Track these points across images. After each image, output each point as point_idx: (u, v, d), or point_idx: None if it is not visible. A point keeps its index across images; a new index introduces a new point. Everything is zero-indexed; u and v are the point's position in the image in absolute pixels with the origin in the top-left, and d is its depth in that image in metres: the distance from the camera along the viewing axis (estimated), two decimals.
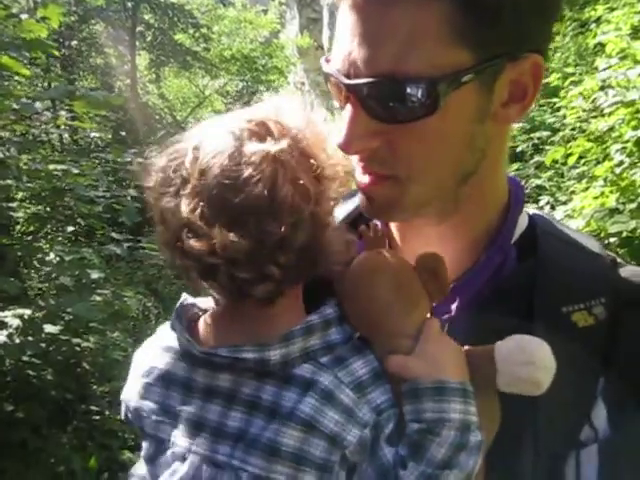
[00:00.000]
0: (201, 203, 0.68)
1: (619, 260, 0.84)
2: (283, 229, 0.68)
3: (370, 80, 0.68)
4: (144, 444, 0.79)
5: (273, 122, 0.73)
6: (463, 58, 0.66)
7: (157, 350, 0.79)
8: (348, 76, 0.70)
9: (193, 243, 0.68)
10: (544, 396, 0.71)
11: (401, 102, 0.68)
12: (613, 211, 2.97)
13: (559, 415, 0.72)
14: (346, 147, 0.72)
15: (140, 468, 0.82)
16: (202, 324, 0.79)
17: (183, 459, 0.72)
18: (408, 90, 0.67)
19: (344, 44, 0.70)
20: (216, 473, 0.70)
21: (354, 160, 0.77)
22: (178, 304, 0.82)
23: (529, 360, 0.69)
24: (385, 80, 0.67)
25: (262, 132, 0.72)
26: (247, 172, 0.67)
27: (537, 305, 0.77)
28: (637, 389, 0.74)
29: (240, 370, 0.71)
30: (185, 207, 0.69)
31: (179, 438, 0.73)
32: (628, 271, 0.82)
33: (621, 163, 3.04)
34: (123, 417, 0.84)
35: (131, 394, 0.79)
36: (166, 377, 0.76)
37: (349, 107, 0.71)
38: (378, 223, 0.86)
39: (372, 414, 0.70)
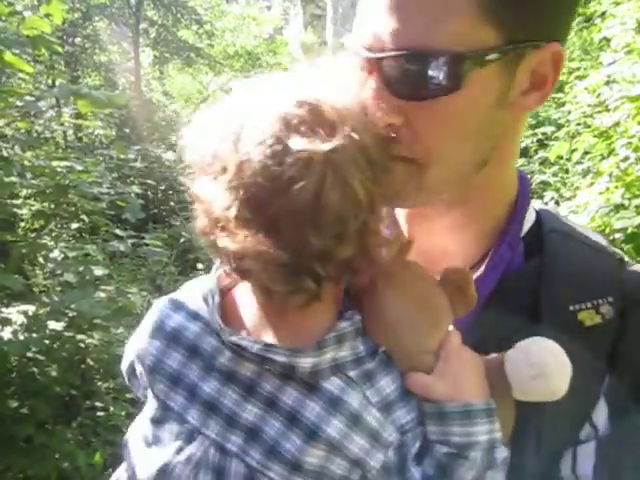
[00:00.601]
0: (236, 201, 0.61)
1: (626, 258, 0.83)
2: (325, 241, 0.61)
3: (396, 53, 0.67)
4: (151, 404, 0.75)
5: (329, 107, 0.64)
6: (489, 36, 0.66)
7: (185, 314, 0.73)
8: (372, 50, 0.69)
9: (225, 242, 0.62)
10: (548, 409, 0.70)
11: (425, 77, 0.67)
12: (618, 207, 2.95)
13: (561, 414, 0.72)
14: (379, 118, 0.69)
15: (141, 426, 0.77)
16: (234, 302, 0.73)
17: (191, 438, 0.70)
18: (433, 64, 0.66)
19: (369, 18, 0.70)
20: (225, 460, 0.68)
21: None
22: (214, 269, 0.75)
23: (540, 373, 0.67)
24: (411, 53, 0.66)
25: (314, 121, 0.62)
26: (290, 173, 0.59)
27: (544, 303, 0.76)
28: (638, 388, 0.73)
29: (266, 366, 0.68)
30: (220, 201, 0.62)
31: (190, 414, 0.70)
32: (635, 270, 0.81)
33: (626, 158, 3.01)
34: (124, 369, 0.80)
35: (147, 350, 0.73)
36: (192, 347, 0.71)
37: (371, 83, 0.70)
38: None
39: (397, 434, 0.69)
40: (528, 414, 0.72)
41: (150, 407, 0.75)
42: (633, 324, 0.76)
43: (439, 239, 0.83)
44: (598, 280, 0.79)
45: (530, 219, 0.84)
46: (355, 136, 0.63)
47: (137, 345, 0.76)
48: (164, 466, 0.70)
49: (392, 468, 0.68)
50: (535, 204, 0.88)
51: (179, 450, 0.70)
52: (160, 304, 0.77)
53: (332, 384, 0.67)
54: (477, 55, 0.65)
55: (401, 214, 0.88)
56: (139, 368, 0.76)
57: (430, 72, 0.66)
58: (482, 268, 0.81)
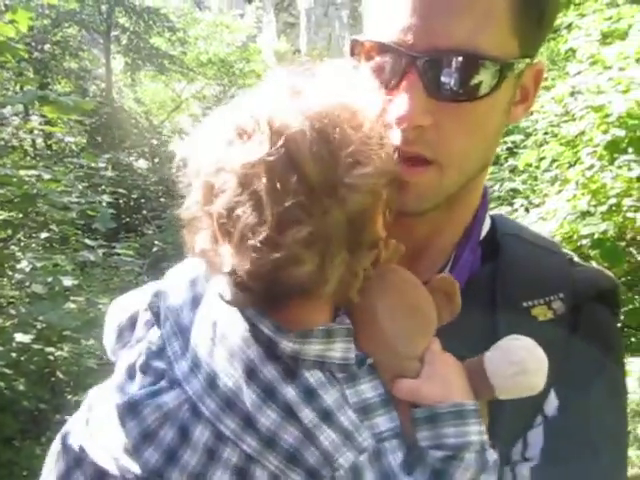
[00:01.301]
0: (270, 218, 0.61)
1: (575, 258, 0.88)
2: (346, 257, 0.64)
3: (444, 52, 0.67)
4: (140, 352, 0.75)
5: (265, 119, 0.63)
6: (514, 48, 0.70)
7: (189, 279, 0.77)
8: (409, 48, 0.68)
9: (238, 261, 0.64)
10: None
11: (468, 80, 0.68)
12: (585, 214, 3.03)
13: (514, 407, 0.73)
14: (407, 120, 0.69)
15: (117, 376, 0.76)
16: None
17: (169, 388, 0.70)
18: (481, 67, 0.68)
19: (403, 15, 0.68)
20: (194, 421, 0.68)
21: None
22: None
23: (520, 370, 0.69)
24: (458, 54, 0.67)
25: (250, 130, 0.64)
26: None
27: (500, 302, 0.80)
28: (586, 375, 0.78)
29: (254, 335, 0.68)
30: (248, 218, 0.62)
31: (179, 366, 0.71)
32: (584, 268, 0.87)
33: (592, 167, 3.09)
34: (114, 326, 0.81)
35: (171, 300, 0.76)
36: (196, 300, 0.74)
37: (405, 83, 0.69)
38: None
39: (372, 440, 0.67)
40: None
41: (137, 355, 0.75)
42: (584, 319, 0.80)
43: (416, 243, 0.84)
44: (549, 278, 0.82)
45: (487, 224, 0.88)
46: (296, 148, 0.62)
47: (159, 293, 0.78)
48: (135, 402, 0.70)
49: (365, 475, 0.67)
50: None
51: (154, 394, 0.70)
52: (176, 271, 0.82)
53: (313, 376, 0.67)
54: (512, 65, 0.70)
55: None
56: (146, 316, 0.77)
57: (475, 74, 0.68)
58: (447, 272, 0.83)
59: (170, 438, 0.68)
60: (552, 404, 0.77)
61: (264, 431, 0.66)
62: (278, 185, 0.61)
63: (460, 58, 0.68)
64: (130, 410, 0.70)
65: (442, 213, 0.81)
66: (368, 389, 0.69)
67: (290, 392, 0.66)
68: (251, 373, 0.67)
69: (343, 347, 0.70)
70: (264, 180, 0.61)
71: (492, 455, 0.68)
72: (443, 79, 0.69)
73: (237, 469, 0.67)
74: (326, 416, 0.66)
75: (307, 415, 0.66)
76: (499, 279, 0.82)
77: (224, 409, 0.67)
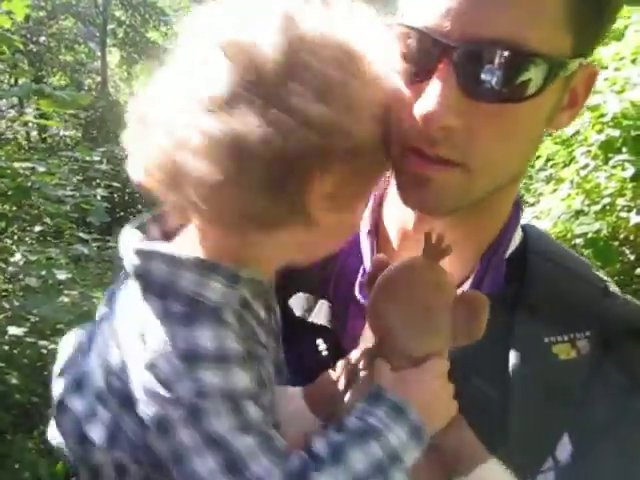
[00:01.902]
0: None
1: (611, 287, 0.78)
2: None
3: (486, 43, 0.58)
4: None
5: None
6: (566, 45, 0.60)
7: None
8: (447, 36, 0.59)
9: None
10: (512, 428, 0.69)
11: (511, 77, 0.59)
12: (578, 213, 3.04)
13: (525, 445, 0.70)
14: (434, 120, 0.61)
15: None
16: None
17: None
18: (529, 64, 0.58)
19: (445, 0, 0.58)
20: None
21: (409, 139, 0.65)
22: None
23: None
24: (503, 46, 0.57)
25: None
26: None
27: (518, 332, 0.73)
28: (606, 425, 0.71)
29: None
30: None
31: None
32: (617, 301, 0.77)
33: (586, 166, 3.10)
34: None
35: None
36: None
37: (437, 76, 0.61)
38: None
39: (192, 395, 0.58)
40: (490, 444, 0.69)
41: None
42: (612, 360, 0.72)
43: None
44: (578, 312, 0.75)
45: (516, 240, 0.80)
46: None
47: None
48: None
49: (179, 432, 0.59)
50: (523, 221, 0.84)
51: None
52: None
53: (150, 300, 0.62)
54: (563, 63, 0.60)
55: (409, 221, 0.82)
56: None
57: (523, 73, 0.59)
58: (466, 287, 0.78)
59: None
60: (565, 449, 0.71)
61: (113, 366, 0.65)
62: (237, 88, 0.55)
63: (506, 52, 0.58)
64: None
65: (467, 221, 0.75)
66: (207, 338, 0.59)
67: (126, 302, 0.65)
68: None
69: (196, 280, 0.61)
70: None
71: (399, 477, 0.61)
72: (483, 75, 0.59)
73: None
74: (154, 355, 0.60)
75: (134, 346, 0.62)
76: (521, 306, 0.74)
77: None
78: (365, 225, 0.86)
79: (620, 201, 2.96)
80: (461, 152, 0.64)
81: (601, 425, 0.71)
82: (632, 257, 3.16)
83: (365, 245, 0.86)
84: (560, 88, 0.64)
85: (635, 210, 2.86)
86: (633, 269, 3.13)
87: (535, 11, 0.58)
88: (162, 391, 0.59)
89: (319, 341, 0.79)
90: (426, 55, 0.61)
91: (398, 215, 0.83)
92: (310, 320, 0.82)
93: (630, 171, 2.74)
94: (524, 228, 0.83)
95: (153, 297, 0.62)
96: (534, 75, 0.59)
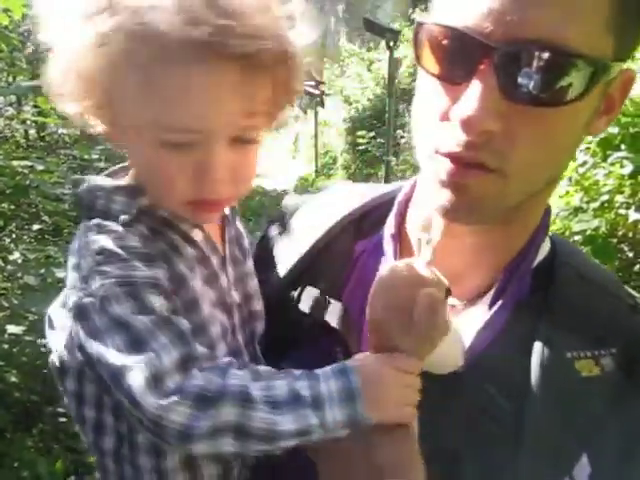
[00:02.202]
0: None
1: None
2: None
3: (527, 44, 0.56)
4: None
5: None
6: (608, 48, 0.58)
7: None
8: (488, 36, 0.58)
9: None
10: (526, 443, 0.68)
11: (552, 80, 0.58)
12: (577, 210, 3.05)
13: (541, 464, 0.69)
14: (475, 124, 0.60)
15: None
16: None
17: None
18: (571, 66, 0.57)
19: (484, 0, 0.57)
20: None
21: (444, 144, 0.64)
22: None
23: None
24: (545, 48, 0.56)
25: None
26: None
27: (540, 344, 0.71)
28: (629, 448, 0.69)
29: None
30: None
31: None
32: None
33: (584, 163, 3.11)
34: None
35: None
36: None
37: (477, 79, 0.60)
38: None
39: (100, 286, 0.73)
40: (506, 460, 0.69)
41: None
42: (633, 385, 0.70)
43: (464, 258, 0.80)
44: (603, 328, 0.73)
45: (544, 250, 0.79)
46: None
47: None
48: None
49: (93, 318, 0.73)
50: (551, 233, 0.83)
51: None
52: None
53: (83, 223, 0.81)
54: (607, 66, 0.59)
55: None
56: None
57: (565, 76, 0.57)
58: (489, 296, 0.77)
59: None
60: (584, 470, 0.69)
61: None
62: None
63: (547, 53, 0.56)
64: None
65: (497, 228, 0.74)
66: (110, 239, 0.75)
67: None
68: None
69: (106, 198, 0.80)
70: None
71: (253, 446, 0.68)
72: (523, 78, 0.58)
73: None
74: (76, 251, 0.78)
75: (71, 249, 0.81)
76: (545, 317, 0.72)
77: None
78: (389, 228, 0.87)
79: (619, 198, 2.97)
80: (500, 157, 0.62)
81: (621, 452, 0.69)
82: (631, 254, 3.17)
83: (388, 248, 0.86)
84: (600, 92, 0.62)
85: (634, 207, 2.87)
86: (632, 266, 3.14)
87: (578, 10, 0.56)
88: (80, 285, 0.75)
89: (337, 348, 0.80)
90: (466, 56, 0.60)
91: None
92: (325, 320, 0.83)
93: (629, 168, 2.75)
94: (552, 238, 0.81)
95: (84, 219, 0.80)
96: (576, 79, 0.57)
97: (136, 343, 0.70)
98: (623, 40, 0.59)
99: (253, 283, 0.94)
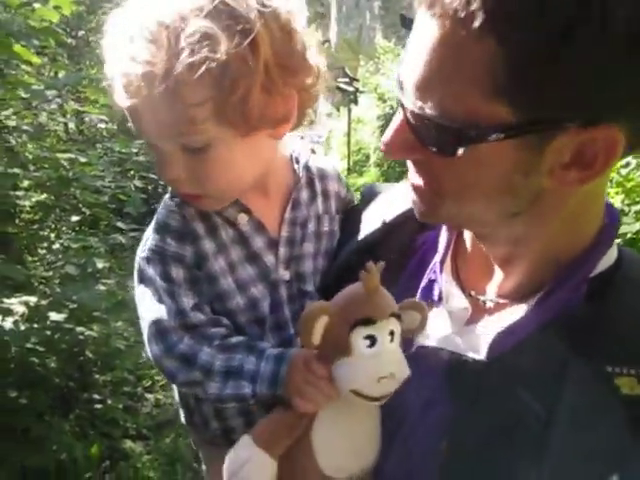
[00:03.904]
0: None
1: None
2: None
3: (403, 103, 0.67)
4: None
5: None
6: (499, 114, 0.61)
7: None
8: (400, 88, 0.69)
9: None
10: (556, 454, 0.67)
11: (427, 138, 0.67)
12: (619, 212, 2.98)
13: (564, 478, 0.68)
14: (385, 149, 0.73)
15: None
16: None
17: None
18: (429, 128, 0.65)
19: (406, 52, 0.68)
20: None
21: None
22: None
23: None
24: (414, 109, 0.66)
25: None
26: None
27: (580, 355, 0.70)
28: None
29: None
30: None
31: None
32: None
33: (627, 165, 3.04)
34: None
35: None
36: None
37: (400, 115, 0.70)
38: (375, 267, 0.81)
39: (145, 250, 1.00)
40: (526, 466, 0.68)
41: None
42: None
43: (487, 259, 0.84)
44: None
45: (607, 261, 0.78)
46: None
47: None
48: None
49: (147, 271, 0.98)
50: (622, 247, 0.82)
51: None
52: None
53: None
54: (476, 132, 0.62)
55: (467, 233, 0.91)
56: None
57: (428, 133, 0.66)
58: (531, 302, 0.78)
59: None
60: None
61: None
62: None
63: (413, 115, 0.67)
64: None
65: (505, 246, 0.80)
66: (158, 219, 1.00)
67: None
68: None
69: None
70: None
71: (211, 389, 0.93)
72: (415, 128, 0.69)
73: None
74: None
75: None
76: (593, 329, 0.72)
77: None
78: None
79: None
80: (426, 179, 0.74)
81: None
82: None
83: (442, 240, 0.90)
84: (520, 147, 0.63)
85: None
86: None
87: (444, 79, 0.63)
88: (141, 245, 1.00)
89: None
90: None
91: None
92: None
93: None
94: (621, 251, 0.80)
95: None
96: (438, 137, 0.65)
97: (156, 300, 0.95)
98: (529, 106, 0.60)
99: (309, 264, 1.06)
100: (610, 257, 0.78)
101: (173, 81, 0.79)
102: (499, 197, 0.70)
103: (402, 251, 0.96)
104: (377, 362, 0.75)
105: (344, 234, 1.10)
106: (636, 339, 0.71)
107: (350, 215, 1.11)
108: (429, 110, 0.64)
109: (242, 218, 0.99)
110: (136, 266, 1.00)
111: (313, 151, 1.09)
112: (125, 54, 0.82)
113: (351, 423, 0.83)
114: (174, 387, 1.12)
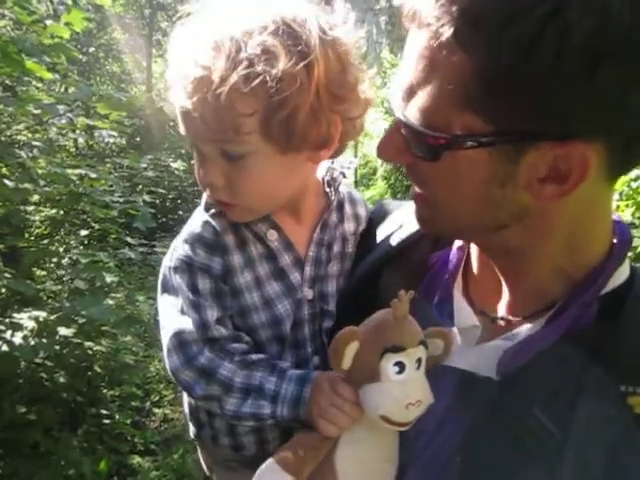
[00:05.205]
0: None
1: None
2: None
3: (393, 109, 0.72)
4: None
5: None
6: (473, 124, 0.63)
7: None
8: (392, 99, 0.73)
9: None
10: (569, 473, 0.67)
11: (411, 140, 0.71)
12: (629, 225, 2.96)
13: None
14: (378, 152, 0.78)
15: None
16: None
17: None
18: (412, 134, 0.70)
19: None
20: None
21: None
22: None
23: None
24: (400, 116, 0.70)
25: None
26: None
27: (593, 373, 0.70)
28: None
29: None
30: None
31: None
32: None
33: (637, 178, 3.02)
34: None
35: None
36: None
37: (394, 127, 0.74)
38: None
39: (174, 260, 1.00)
40: None
41: None
42: None
43: (497, 279, 0.85)
44: None
45: (619, 279, 0.77)
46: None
47: None
48: None
49: (175, 278, 0.99)
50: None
51: None
52: None
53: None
54: (452, 140, 0.65)
55: (474, 250, 0.92)
56: None
57: (411, 139, 0.71)
58: (542, 320, 0.77)
59: None
60: None
61: None
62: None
63: (398, 120, 0.72)
64: None
65: (504, 260, 0.82)
66: (190, 229, 1.00)
67: None
68: None
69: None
70: None
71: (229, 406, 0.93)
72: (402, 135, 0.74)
73: None
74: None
75: None
76: (606, 347, 0.71)
77: None
78: (458, 241, 0.93)
79: None
80: (419, 185, 0.79)
81: None
82: None
83: (453, 258, 0.91)
84: (495, 158, 0.65)
85: None
86: None
87: (425, 91, 0.66)
88: (168, 253, 1.02)
89: None
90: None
91: None
92: None
93: None
94: (633, 268, 0.79)
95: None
96: (419, 144, 0.70)
97: (179, 311, 0.96)
98: (502, 118, 0.62)
99: (333, 284, 1.06)
100: (622, 274, 0.77)
101: (227, 89, 0.81)
102: (480, 208, 0.72)
103: (416, 269, 0.95)
104: (405, 389, 0.76)
105: (358, 253, 1.11)
106: None
107: (363, 235, 1.12)
108: (412, 117, 0.68)
109: (272, 234, 1.00)
110: (161, 276, 1.01)
111: (344, 175, 1.08)
112: (189, 58, 0.85)
113: (373, 446, 0.83)
114: (185, 400, 1.11)
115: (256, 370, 0.93)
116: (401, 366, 0.76)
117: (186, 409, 1.13)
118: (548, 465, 0.68)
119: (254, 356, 0.95)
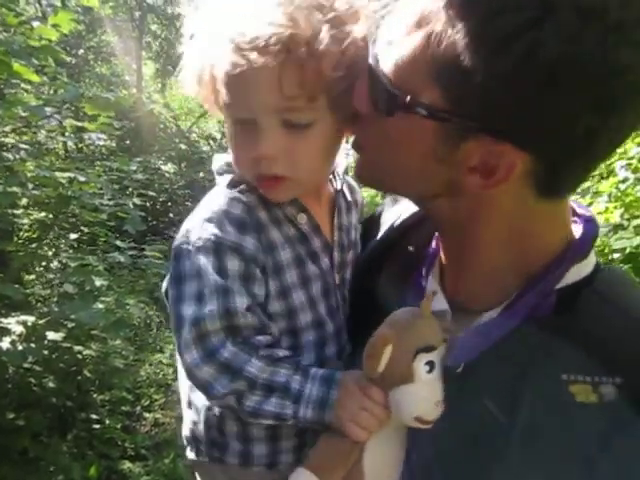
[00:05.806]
0: None
1: None
2: None
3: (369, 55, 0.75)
4: None
5: None
6: (433, 96, 0.67)
7: None
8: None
9: None
10: (512, 464, 0.69)
11: (373, 89, 0.74)
12: (617, 227, 2.97)
13: None
14: (354, 98, 0.80)
15: None
16: None
17: None
18: (376, 84, 0.73)
19: None
20: None
21: None
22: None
23: None
24: (372, 62, 0.74)
25: None
26: None
27: (538, 363, 0.72)
28: None
29: None
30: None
31: None
32: None
33: (626, 179, 3.04)
34: None
35: None
36: None
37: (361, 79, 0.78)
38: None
39: (196, 239, 0.89)
40: (487, 472, 0.71)
41: None
42: (634, 426, 0.66)
43: (453, 252, 0.87)
44: (613, 356, 0.70)
45: (579, 274, 0.77)
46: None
47: None
48: None
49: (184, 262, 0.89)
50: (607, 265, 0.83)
51: None
52: None
53: None
54: (410, 104, 0.68)
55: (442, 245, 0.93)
56: None
57: (373, 90, 0.74)
58: (499, 309, 0.79)
59: None
60: None
61: None
62: None
63: (369, 70, 0.75)
64: None
65: (452, 235, 0.84)
66: (215, 204, 0.91)
67: None
68: None
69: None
70: None
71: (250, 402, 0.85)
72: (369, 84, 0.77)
73: None
74: None
75: None
76: (557, 338, 0.72)
77: None
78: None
79: None
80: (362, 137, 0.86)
81: None
82: None
83: (433, 245, 0.94)
84: (437, 134, 0.69)
85: None
86: None
87: (399, 43, 0.69)
88: (183, 233, 0.90)
89: None
90: None
91: None
92: None
93: None
94: (600, 269, 0.79)
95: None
96: (381, 95, 0.72)
97: (199, 298, 0.85)
98: (456, 101, 0.66)
99: (350, 271, 1.04)
100: (583, 271, 0.78)
101: (318, 47, 0.77)
102: (414, 175, 0.76)
103: (416, 252, 0.96)
104: (435, 387, 0.77)
105: (362, 242, 1.11)
106: (596, 347, 0.70)
107: (366, 224, 1.13)
108: (385, 66, 0.71)
109: (302, 218, 0.95)
110: (175, 262, 0.89)
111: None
112: (252, 17, 0.78)
113: (397, 449, 0.83)
114: (188, 402, 1.01)
115: (282, 367, 0.85)
116: (431, 365, 0.76)
117: (185, 412, 1.02)
118: (496, 458, 0.70)
119: (280, 352, 0.88)
